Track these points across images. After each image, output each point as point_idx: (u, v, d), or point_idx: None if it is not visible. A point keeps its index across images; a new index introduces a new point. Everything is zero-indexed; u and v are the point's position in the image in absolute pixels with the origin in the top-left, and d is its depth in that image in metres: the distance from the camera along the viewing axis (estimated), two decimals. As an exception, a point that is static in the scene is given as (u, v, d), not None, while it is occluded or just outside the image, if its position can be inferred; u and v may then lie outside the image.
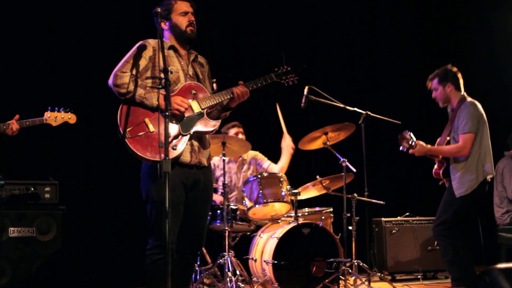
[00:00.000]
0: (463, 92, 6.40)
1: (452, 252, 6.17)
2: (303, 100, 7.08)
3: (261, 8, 9.46)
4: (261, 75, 5.00)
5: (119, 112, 4.57)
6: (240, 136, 7.80)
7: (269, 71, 5.06)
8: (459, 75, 6.43)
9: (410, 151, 6.29)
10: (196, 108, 4.70)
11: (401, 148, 6.31)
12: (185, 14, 4.87)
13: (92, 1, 8.27)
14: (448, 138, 6.34)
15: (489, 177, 6.24)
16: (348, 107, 7.20)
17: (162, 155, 4.03)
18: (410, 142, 6.26)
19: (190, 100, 4.68)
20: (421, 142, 6.27)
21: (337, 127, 7.20)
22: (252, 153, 8.02)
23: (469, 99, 6.32)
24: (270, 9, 9.54)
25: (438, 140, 6.48)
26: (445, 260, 6.27)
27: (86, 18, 8.22)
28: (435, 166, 6.47)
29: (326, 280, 6.69)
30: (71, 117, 6.08)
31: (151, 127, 4.55)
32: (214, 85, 5.27)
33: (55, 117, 5.97)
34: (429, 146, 6.31)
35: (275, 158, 7.93)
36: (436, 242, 8.13)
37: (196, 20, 4.93)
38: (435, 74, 6.46)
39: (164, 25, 4.89)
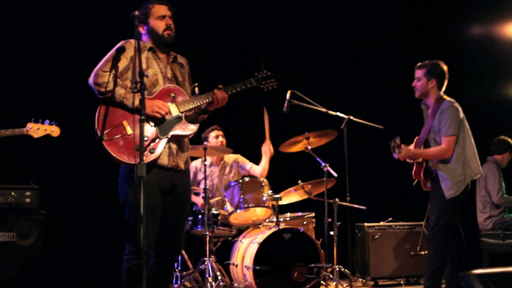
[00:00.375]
0: (442, 91, 6.36)
1: (440, 263, 6.15)
2: (285, 105, 7.09)
3: (245, 12, 9.46)
4: (244, 78, 5.02)
5: (97, 113, 4.55)
6: (221, 138, 7.82)
7: (253, 74, 5.09)
8: (446, 75, 6.38)
9: (397, 156, 6.28)
10: (175, 111, 4.69)
11: (395, 155, 6.28)
12: (162, 18, 4.85)
13: (72, 5, 8.24)
14: (426, 137, 6.34)
15: (476, 177, 6.28)
16: (330, 112, 7.21)
17: (138, 159, 4.02)
18: (399, 148, 6.25)
19: (169, 104, 4.67)
20: (407, 147, 6.26)
21: (319, 133, 7.20)
22: (233, 156, 8.03)
23: (448, 98, 6.29)
24: (254, 13, 9.53)
25: (416, 139, 6.44)
26: (428, 267, 6.18)
27: (68, 21, 8.20)
28: (414, 167, 6.41)
29: (307, 286, 6.68)
30: (54, 130, 5.94)
31: (129, 130, 4.53)
32: (196, 89, 5.28)
33: (37, 129, 5.82)
34: (413, 150, 6.30)
35: (257, 161, 7.92)
36: (419, 248, 8.16)
37: (175, 24, 4.92)
38: (424, 64, 6.40)
39: (142, 29, 4.87)
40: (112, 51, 4.71)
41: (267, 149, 7.74)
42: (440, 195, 6.17)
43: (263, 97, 7.66)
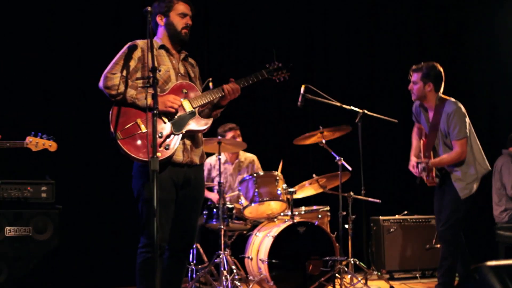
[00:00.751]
0: (441, 92, 6.32)
1: (453, 259, 6.16)
2: (300, 99, 7.08)
3: (258, 6, 9.44)
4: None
5: (110, 113, 4.57)
6: (238, 139, 7.80)
7: (264, 67, 5.09)
8: (443, 76, 6.34)
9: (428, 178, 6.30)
10: (188, 107, 4.70)
11: (427, 178, 6.30)
12: (183, 16, 4.86)
13: (77, 8, 8.29)
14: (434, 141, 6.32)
15: (486, 172, 6.28)
16: (344, 106, 7.20)
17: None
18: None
19: (181, 99, 4.69)
20: (430, 160, 6.25)
21: (333, 129, 7.20)
22: (250, 157, 8.04)
23: (450, 100, 6.26)
24: (268, 7, 9.52)
25: (423, 143, 6.40)
26: (443, 264, 6.19)
27: (74, 24, 8.24)
28: (426, 177, 6.37)
29: (322, 279, 6.68)
30: (51, 145, 6.07)
31: (143, 128, 4.55)
32: (210, 84, 5.29)
33: (36, 143, 5.96)
34: (432, 161, 6.26)
35: (272, 164, 7.88)
36: (434, 241, 8.14)
37: (192, 25, 4.93)
38: (419, 67, 6.34)
39: (161, 21, 4.88)
40: (120, 53, 4.73)
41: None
42: (453, 193, 6.17)
43: (277, 95, 7.70)
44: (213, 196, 7.66)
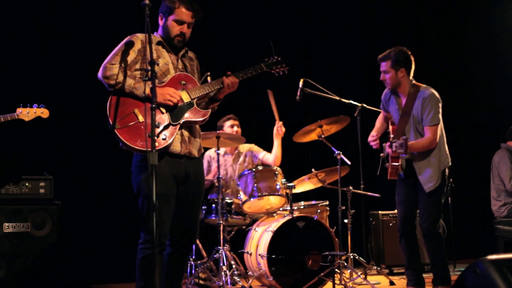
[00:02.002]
0: (411, 77, 6.17)
1: (442, 252, 6.08)
2: (298, 93, 7.08)
3: (256, 0, 9.43)
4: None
5: (108, 103, 4.55)
6: (236, 128, 7.80)
7: (263, 60, 5.09)
8: (412, 59, 6.17)
9: (405, 155, 6.00)
10: (186, 98, 4.70)
11: (403, 155, 5.98)
12: (179, 24, 4.81)
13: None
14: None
15: (448, 166, 6.11)
16: (343, 100, 7.19)
17: (151, 146, 4.02)
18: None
19: (180, 90, 4.68)
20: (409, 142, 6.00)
21: (332, 120, 7.17)
22: (247, 146, 8.02)
23: (424, 86, 6.11)
24: (266, 1, 9.50)
25: (393, 129, 6.20)
26: (435, 259, 6.11)
27: (76, 13, 8.22)
28: (391, 162, 6.14)
29: (322, 274, 6.65)
30: (43, 112, 6.07)
31: (141, 118, 4.53)
32: (208, 78, 5.27)
33: (27, 112, 5.95)
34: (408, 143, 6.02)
35: (270, 149, 7.90)
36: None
37: (192, 29, 4.91)
38: (387, 55, 6.18)
39: (160, 20, 4.88)
40: (119, 45, 4.72)
41: (278, 128, 7.70)
42: (420, 188, 6.05)
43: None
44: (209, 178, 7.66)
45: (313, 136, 7.32)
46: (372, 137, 6.33)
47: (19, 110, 5.93)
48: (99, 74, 4.60)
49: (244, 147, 8.03)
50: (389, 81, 6.17)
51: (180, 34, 4.83)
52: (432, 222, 6.04)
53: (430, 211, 6.04)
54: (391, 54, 6.15)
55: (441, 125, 6.06)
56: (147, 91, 4.46)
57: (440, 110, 6.03)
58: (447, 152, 6.12)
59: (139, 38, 4.75)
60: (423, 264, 8.24)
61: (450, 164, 6.12)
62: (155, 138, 4.09)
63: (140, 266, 4.58)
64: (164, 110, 4.61)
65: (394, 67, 6.11)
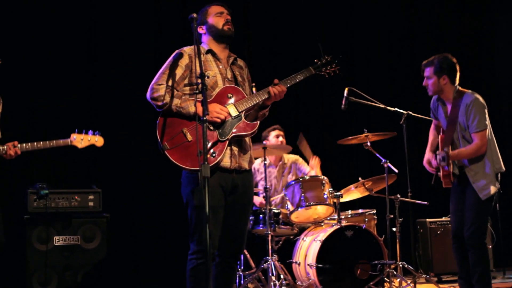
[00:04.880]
0: (457, 84, 6.06)
1: (484, 264, 5.86)
2: (343, 102, 7.04)
3: (299, 8, 9.45)
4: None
5: (157, 124, 4.60)
6: (281, 138, 7.81)
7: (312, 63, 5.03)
8: (457, 67, 6.07)
9: (447, 167, 5.91)
10: (234, 112, 4.69)
11: (446, 168, 5.88)
12: (220, 14, 4.88)
13: (128, 12, 8.35)
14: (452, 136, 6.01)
15: (501, 170, 5.95)
16: (389, 108, 7.14)
17: (202, 162, 4.03)
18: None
19: (227, 105, 4.68)
20: (452, 152, 5.92)
21: (378, 134, 7.19)
22: (292, 157, 8.01)
23: (468, 91, 5.99)
24: (308, 9, 9.51)
25: (441, 137, 6.06)
26: (475, 270, 5.87)
27: (123, 32, 8.31)
28: (442, 171, 5.98)
29: (371, 283, 6.64)
30: (98, 140, 5.98)
31: (189, 137, 4.55)
32: (254, 89, 5.25)
33: (81, 139, 5.85)
34: (452, 152, 5.93)
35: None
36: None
37: (233, 22, 4.93)
38: (431, 61, 6.10)
39: (202, 30, 4.91)
40: (166, 63, 4.76)
41: (314, 165, 7.78)
42: (474, 195, 5.85)
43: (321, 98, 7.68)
44: (257, 199, 7.65)
45: (358, 140, 7.30)
46: (428, 163, 6.19)
47: (73, 136, 5.83)
48: (147, 95, 4.65)
49: (289, 159, 8.02)
50: (431, 87, 6.09)
51: (226, 21, 4.86)
52: (475, 231, 5.84)
53: (474, 219, 5.85)
54: (434, 61, 6.08)
55: (490, 129, 5.93)
56: (193, 109, 4.49)
57: (486, 115, 5.90)
58: (499, 157, 5.98)
59: (186, 53, 4.78)
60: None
61: (503, 169, 5.95)
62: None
63: (190, 277, 4.60)
64: (212, 127, 4.61)
65: (437, 73, 6.02)
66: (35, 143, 5.60)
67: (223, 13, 4.90)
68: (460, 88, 6.05)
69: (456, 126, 5.97)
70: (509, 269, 8.51)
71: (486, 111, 5.92)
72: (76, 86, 8.02)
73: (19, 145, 5.50)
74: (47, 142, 5.71)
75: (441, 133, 6.12)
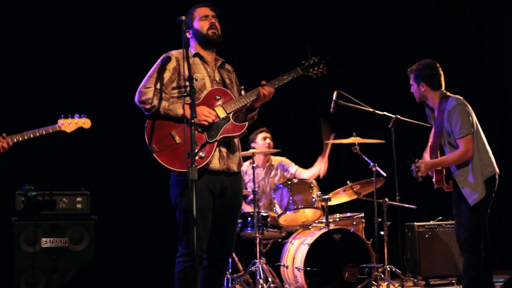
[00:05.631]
0: (443, 88, 5.98)
1: (476, 268, 5.82)
2: (332, 105, 7.04)
3: (288, 11, 9.46)
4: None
5: (145, 127, 4.61)
6: (268, 140, 7.83)
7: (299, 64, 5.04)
8: (439, 72, 5.99)
9: (418, 174, 5.88)
10: (221, 113, 4.69)
11: (418, 178, 5.90)
12: (205, 18, 4.88)
13: (117, 13, 8.34)
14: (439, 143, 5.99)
15: (491, 175, 5.84)
16: (377, 111, 7.15)
17: (189, 165, 4.03)
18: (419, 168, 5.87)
19: (215, 106, 4.69)
20: (424, 161, 5.90)
21: (366, 139, 7.22)
22: (279, 159, 8.04)
23: (452, 96, 5.90)
24: (299, 12, 9.53)
25: (429, 146, 6.08)
26: (467, 273, 5.86)
27: (112, 30, 8.29)
28: (435, 176, 6.01)
29: (359, 286, 6.66)
30: (85, 122, 5.92)
31: (177, 139, 4.56)
32: (242, 92, 5.26)
33: (68, 123, 5.81)
34: (431, 161, 5.92)
35: (304, 164, 7.91)
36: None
37: (220, 24, 4.93)
38: (411, 68, 6.08)
39: (189, 34, 4.91)
40: (154, 66, 4.77)
41: (322, 167, 7.78)
42: (466, 200, 5.81)
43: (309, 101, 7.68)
44: (244, 206, 7.65)
45: (347, 141, 7.34)
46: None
47: (60, 121, 5.80)
48: (136, 98, 4.66)
49: (276, 160, 8.04)
50: (414, 94, 6.10)
51: (211, 25, 4.86)
52: (469, 235, 5.82)
53: (468, 225, 5.83)
54: (413, 68, 6.06)
55: (479, 133, 5.88)
56: (181, 111, 4.50)
57: (470, 118, 5.80)
58: (492, 160, 5.88)
59: (174, 56, 4.79)
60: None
61: (496, 171, 5.87)
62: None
63: (178, 279, 4.60)
64: (200, 129, 4.61)
65: (416, 80, 6.02)
66: (24, 133, 5.57)
67: (208, 16, 4.89)
68: (446, 93, 5.97)
69: (442, 132, 5.93)
70: (496, 272, 8.51)
71: (471, 115, 5.84)
72: (64, 85, 7.98)
73: (8, 137, 5.47)
74: (36, 131, 5.64)
75: (430, 140, 6.11)
